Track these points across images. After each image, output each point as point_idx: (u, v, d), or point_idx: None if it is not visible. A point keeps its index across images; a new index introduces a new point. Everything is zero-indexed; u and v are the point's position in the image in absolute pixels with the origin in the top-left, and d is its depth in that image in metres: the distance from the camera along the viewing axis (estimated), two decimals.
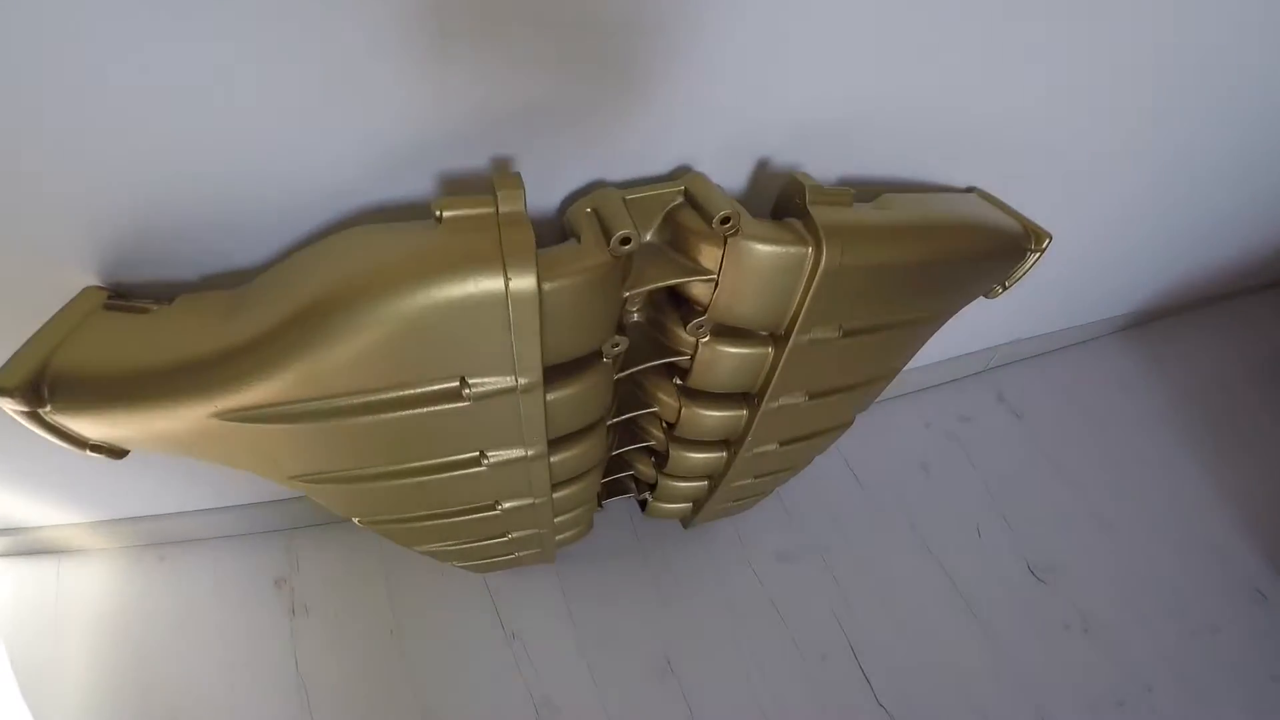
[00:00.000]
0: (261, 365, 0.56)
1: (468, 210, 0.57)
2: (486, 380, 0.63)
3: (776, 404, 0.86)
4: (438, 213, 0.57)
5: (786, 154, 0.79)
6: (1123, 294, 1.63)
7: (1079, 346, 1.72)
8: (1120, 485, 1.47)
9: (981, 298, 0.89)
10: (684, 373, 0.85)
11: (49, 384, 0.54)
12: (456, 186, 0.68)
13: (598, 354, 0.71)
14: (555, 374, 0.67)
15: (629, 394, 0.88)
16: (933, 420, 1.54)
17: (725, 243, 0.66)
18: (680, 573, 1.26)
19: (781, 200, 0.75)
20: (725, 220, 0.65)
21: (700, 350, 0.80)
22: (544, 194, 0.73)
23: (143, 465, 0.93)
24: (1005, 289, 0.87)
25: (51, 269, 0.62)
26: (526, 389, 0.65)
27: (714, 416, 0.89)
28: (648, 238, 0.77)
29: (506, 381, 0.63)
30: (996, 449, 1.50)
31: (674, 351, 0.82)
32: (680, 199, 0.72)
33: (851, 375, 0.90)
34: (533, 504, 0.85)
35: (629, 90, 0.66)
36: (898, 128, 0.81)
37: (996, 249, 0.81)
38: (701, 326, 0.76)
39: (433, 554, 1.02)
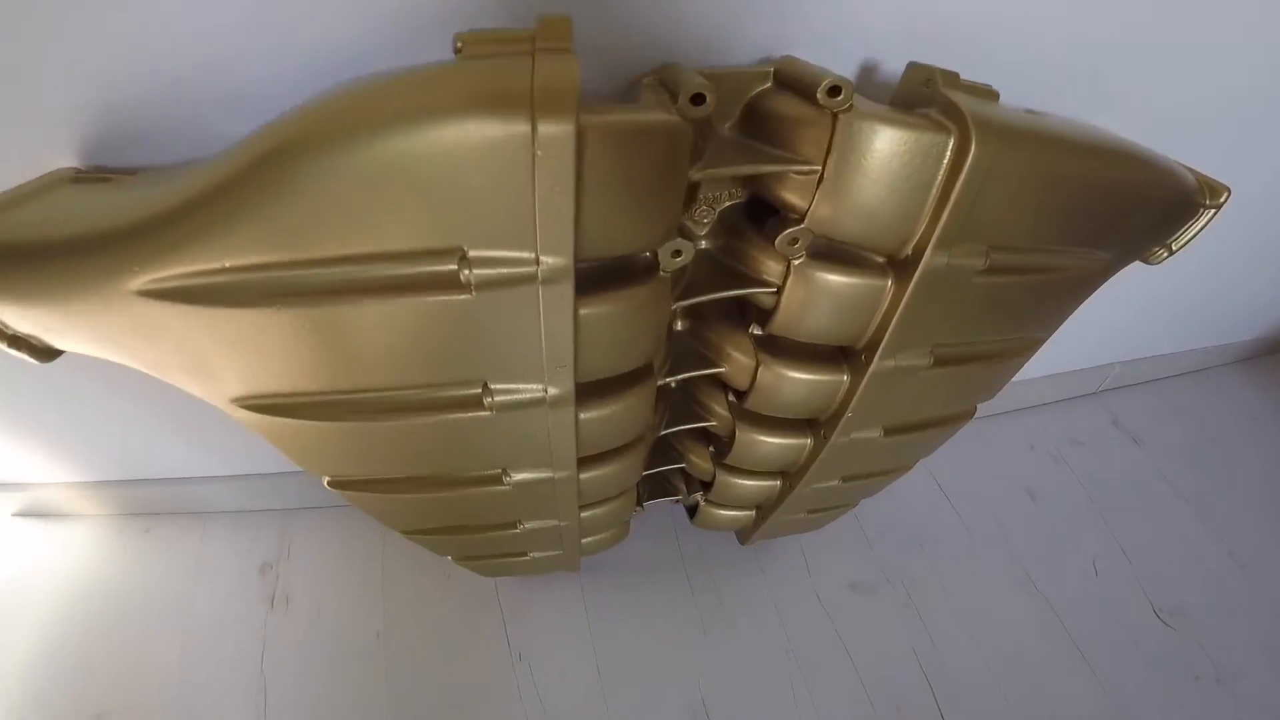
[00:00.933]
0: (203, 226, 0.45)
1: (496, 42, 0.45)
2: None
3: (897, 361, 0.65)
4: (458, 44, 0.46)
5: (894, 59, 0.66)
6: (1248, 318, 1.53)
7: (1198, 374, 1.61)
8: (1255, 522, 1.30)
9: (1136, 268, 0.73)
10: (766, 315, 0.65)
11: None
12: None
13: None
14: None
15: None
16: (1038, 442, 1.39)
17: (835, 123, 0.51)
18: (729, 597, 1.08)
19: (899, 100, 0.61)
20: (834, 91, 0.50)
21: (791, 282, 0.60)
22: (599, 80, 0.61)
23: (133, 421, 0.92)
24: (1171, 252, 0.71)
25: (36, 150, 0.57)
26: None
27: (804, 380, 0.69)
28: (724, 130, 0.61)
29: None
30: (1113, 477, 1.35)
31: (756, 282, 0.63)
32: (768, 83, 0.59)
33: (978, 332, 0.68)
34: (557, 525, 0.75)
35: None
36: (1038, 47, 0.69)
37: (1167, 193, 0.65)
38: (796, 240, 0.57)
39: (429, 546, 0.83)
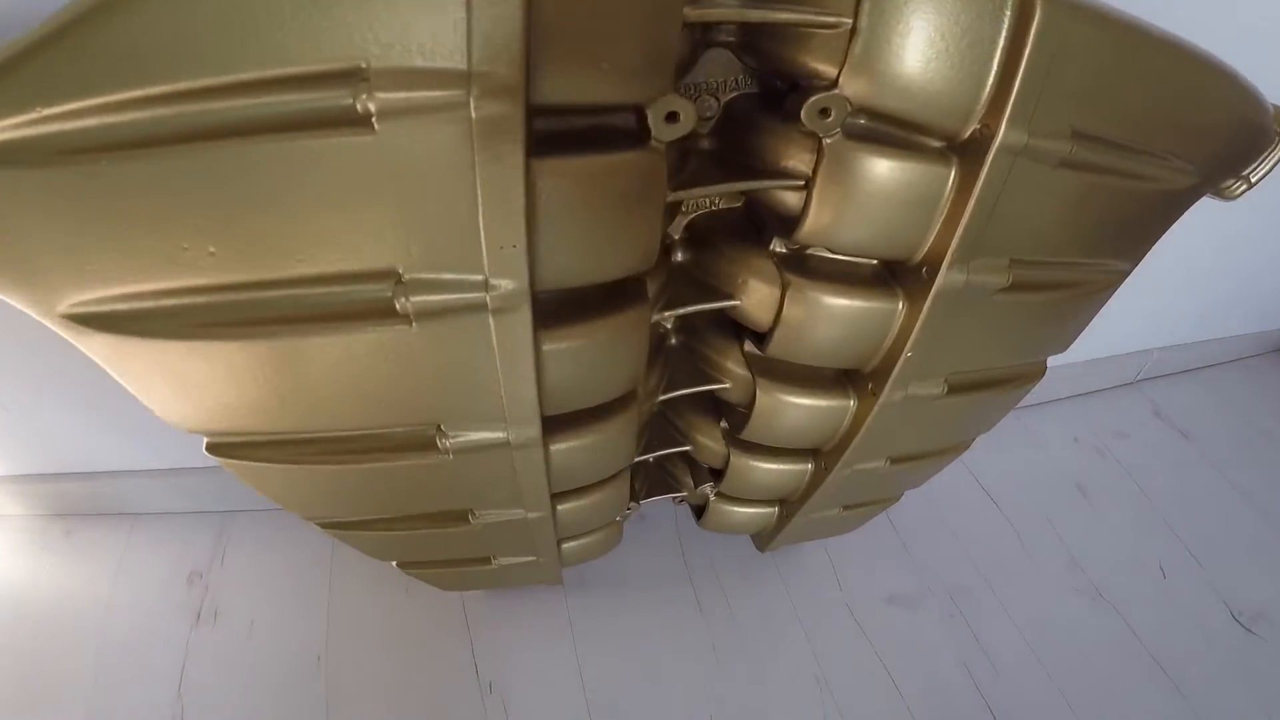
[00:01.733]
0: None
1: None
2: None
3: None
4: None
5: None
6: None
7: (1237, 364, 1.51)
8: None
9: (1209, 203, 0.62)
10: (791, 225, 0.51)
11: None
12: None
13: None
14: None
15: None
16: (1081, 434, 1.28)
17: None
18: (745, 615, 0.91)
19: None
20: None
21: (824, 171, 0.47)
22: None
23: (53, 406, 0.84)
24: (1250, 185, 0.61)
25: None
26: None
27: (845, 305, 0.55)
28: None
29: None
30: (1166, 472, 1.24)
31: (774, 174, 0.50)
32: None
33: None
34: (525, 518, 0.63)
35: None
36: None
37: (1247, 111, 0.55)
38: (828, 112, 0.45)
39: (364, 549, 0.68)
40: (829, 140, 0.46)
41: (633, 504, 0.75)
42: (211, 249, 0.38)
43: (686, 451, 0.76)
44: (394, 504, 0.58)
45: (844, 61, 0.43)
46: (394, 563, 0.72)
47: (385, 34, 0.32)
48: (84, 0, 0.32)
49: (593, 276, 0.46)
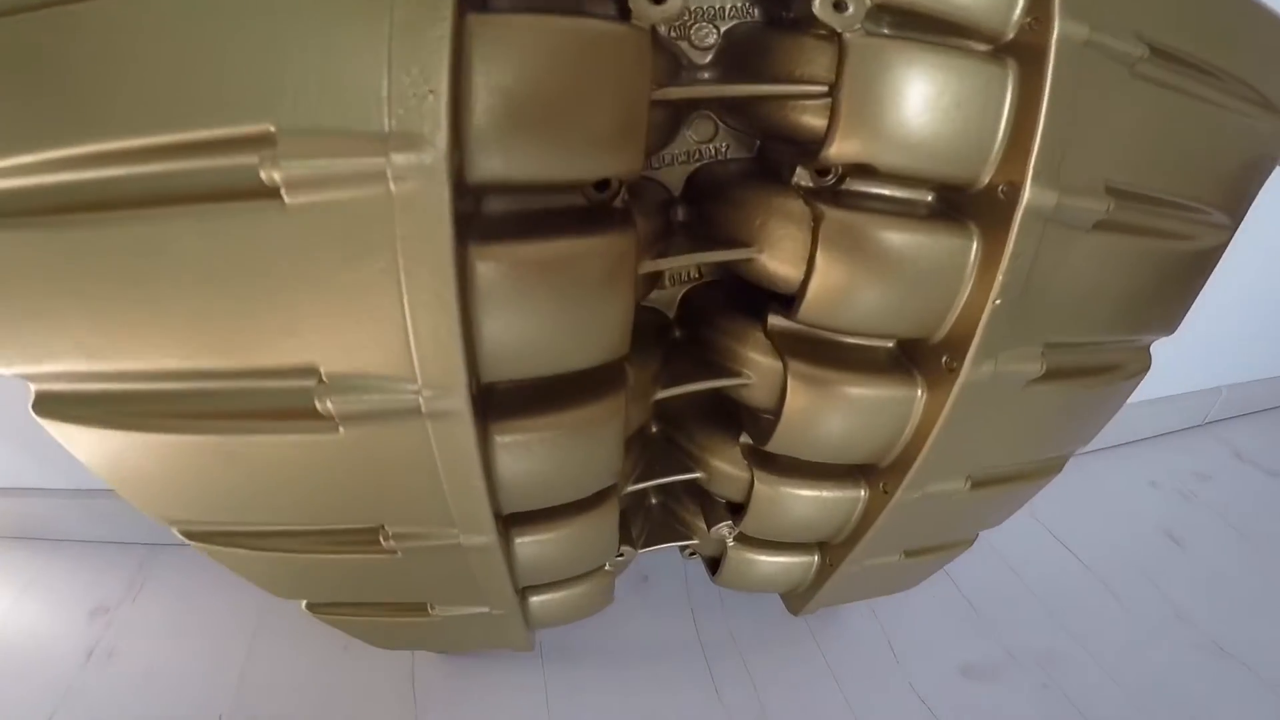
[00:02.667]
0: None
1: None
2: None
3: None
4: None
5: None
6: None
7: None
8: None
9: None
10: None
11: None
12: None
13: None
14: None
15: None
16: (1158, 478, 1.13)
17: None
18: (777, 697, 0.70)
19: None
20: (839, 6, 0.38)
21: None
22: None
23: None
24: None
25: None
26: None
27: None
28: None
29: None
30: (1264, 513, 1.07)
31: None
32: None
33: None
34: (489, 615, 0.55)
35: None
36: None
37: None
38: (844, 4, 0.38)
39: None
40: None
41: (625, 549, 0.57)
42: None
43: (696, 482, 0.59)
44: (359, 591, 0.53)
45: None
46: (303, 603, 0.55)
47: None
48: None
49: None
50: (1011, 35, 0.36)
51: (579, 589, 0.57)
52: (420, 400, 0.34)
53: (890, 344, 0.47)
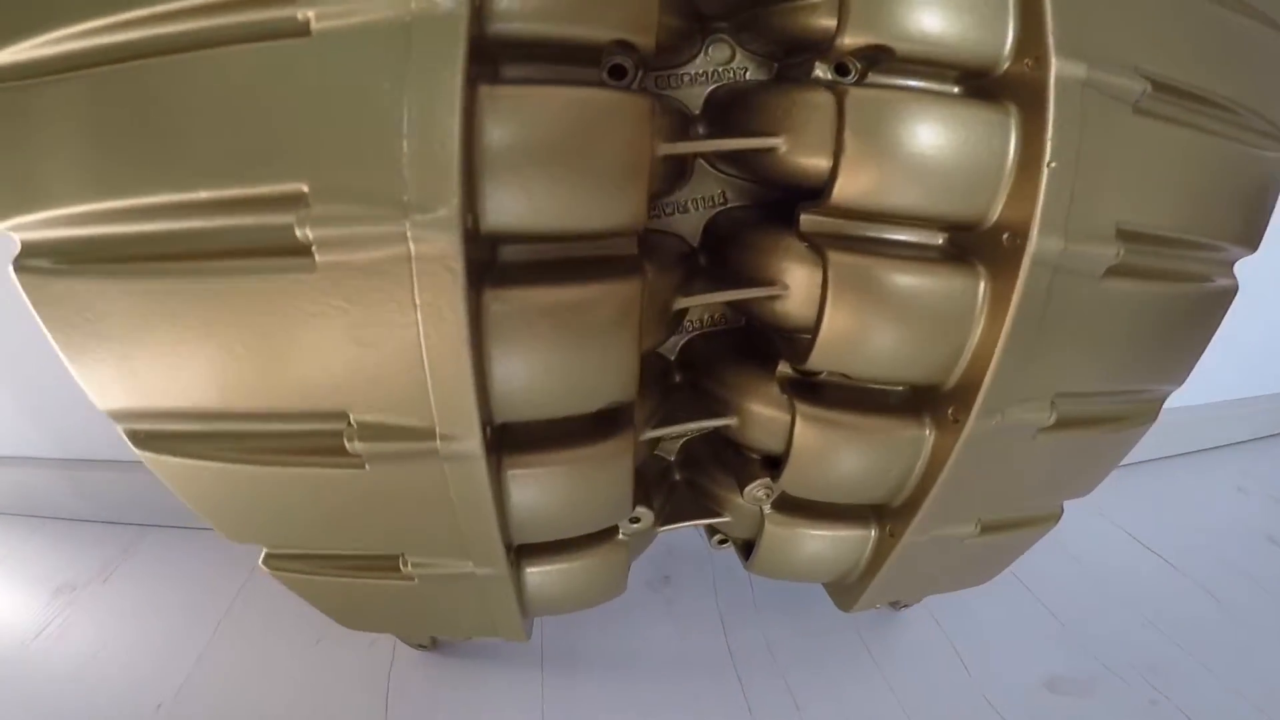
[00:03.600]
0: None
1: None
2: None
3: None
4: None
5: None
6: None
7: None
8: None
9: None
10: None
11: None
12: None
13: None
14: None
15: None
16: (1246, 484, 1.02)
17: None
18: (816, 712, 0.59)
19: None
20: None
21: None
22: None
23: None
24: None
25: None
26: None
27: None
28: None
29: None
30: None
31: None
32: None
33: None
34: (473, 574, 0.47)
35: None
36: None
37: None
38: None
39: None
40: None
41: (641, 510, 0.48)
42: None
43: (727, 449, 0.52)
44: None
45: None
46: (263, 552, 0.49)
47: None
48: None
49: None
50: (1005, 69, 0.36)
51: (585, 560, 0.47)
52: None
53: (940, 239, 0.41)
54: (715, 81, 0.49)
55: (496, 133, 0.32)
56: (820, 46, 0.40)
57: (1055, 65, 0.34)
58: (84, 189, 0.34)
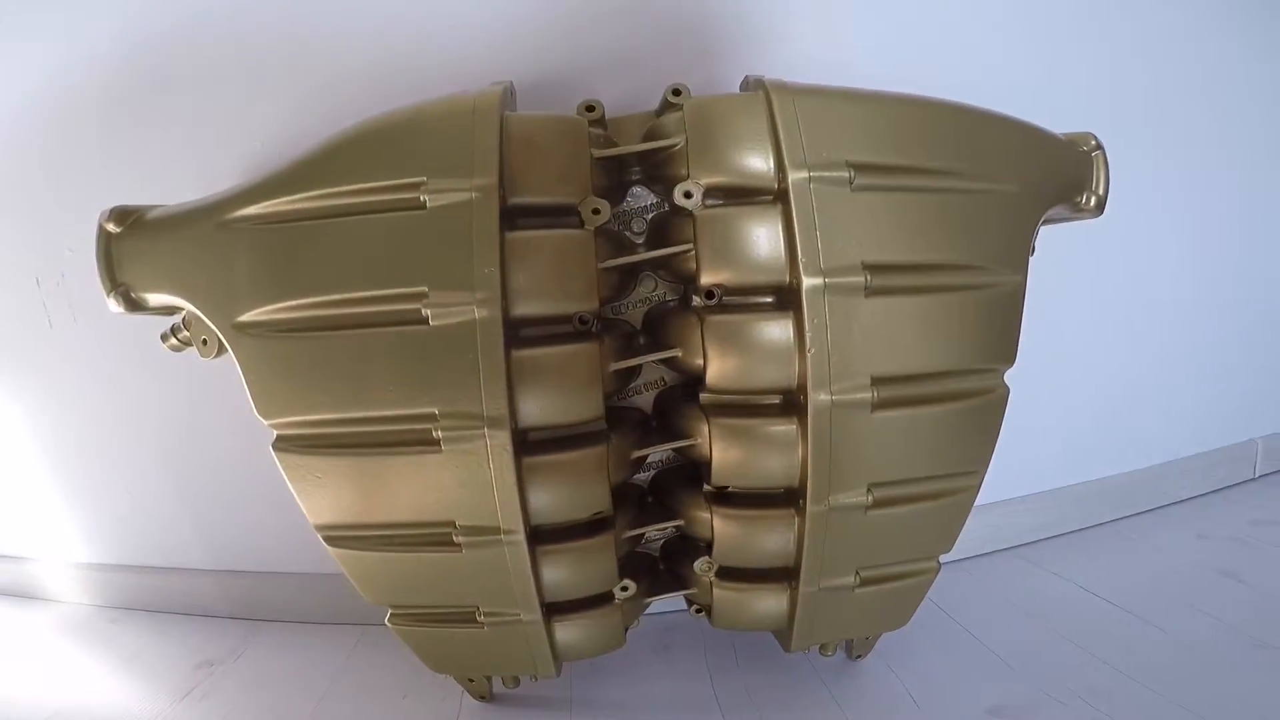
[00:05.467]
0: (270, 180, 0.65)
1: None
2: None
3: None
4: None
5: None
6: None
7: None
8: None
9: None
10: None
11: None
12: None
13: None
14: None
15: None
16: (1207, 530, 1.13)
17: (684, 110, 0.66)
18: None
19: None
20: (676, 92, 0.70)
21: (700, 233, 0.64)
22: None
23: (135, 502, 1.06)
24: (1100, 198, 0.72)
25: None
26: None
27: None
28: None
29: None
30: None
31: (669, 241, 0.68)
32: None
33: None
34: (520, 621, 0.71)
35: None
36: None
37: (1036, 136, 0.71)
38: (689, 194, 0.64)
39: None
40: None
41: (628, 582, 0.70)
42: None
43: (687, 545, 0.75)
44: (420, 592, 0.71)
45: (688, 164, 0.63)
46: (388, 612, 0.72)
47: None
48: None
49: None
50: (776, 186, 0.61)
51: (593, 616, 0.71)
52: (485, 431, 0.59)
53: (776, 398, 0.65)
54: (648, 305, 0.76)
55: (515, 259, 0.59)
56: (693, 281, 0.64)
57: (789, 173, 0.59)
58: (326, 403, 0.62)
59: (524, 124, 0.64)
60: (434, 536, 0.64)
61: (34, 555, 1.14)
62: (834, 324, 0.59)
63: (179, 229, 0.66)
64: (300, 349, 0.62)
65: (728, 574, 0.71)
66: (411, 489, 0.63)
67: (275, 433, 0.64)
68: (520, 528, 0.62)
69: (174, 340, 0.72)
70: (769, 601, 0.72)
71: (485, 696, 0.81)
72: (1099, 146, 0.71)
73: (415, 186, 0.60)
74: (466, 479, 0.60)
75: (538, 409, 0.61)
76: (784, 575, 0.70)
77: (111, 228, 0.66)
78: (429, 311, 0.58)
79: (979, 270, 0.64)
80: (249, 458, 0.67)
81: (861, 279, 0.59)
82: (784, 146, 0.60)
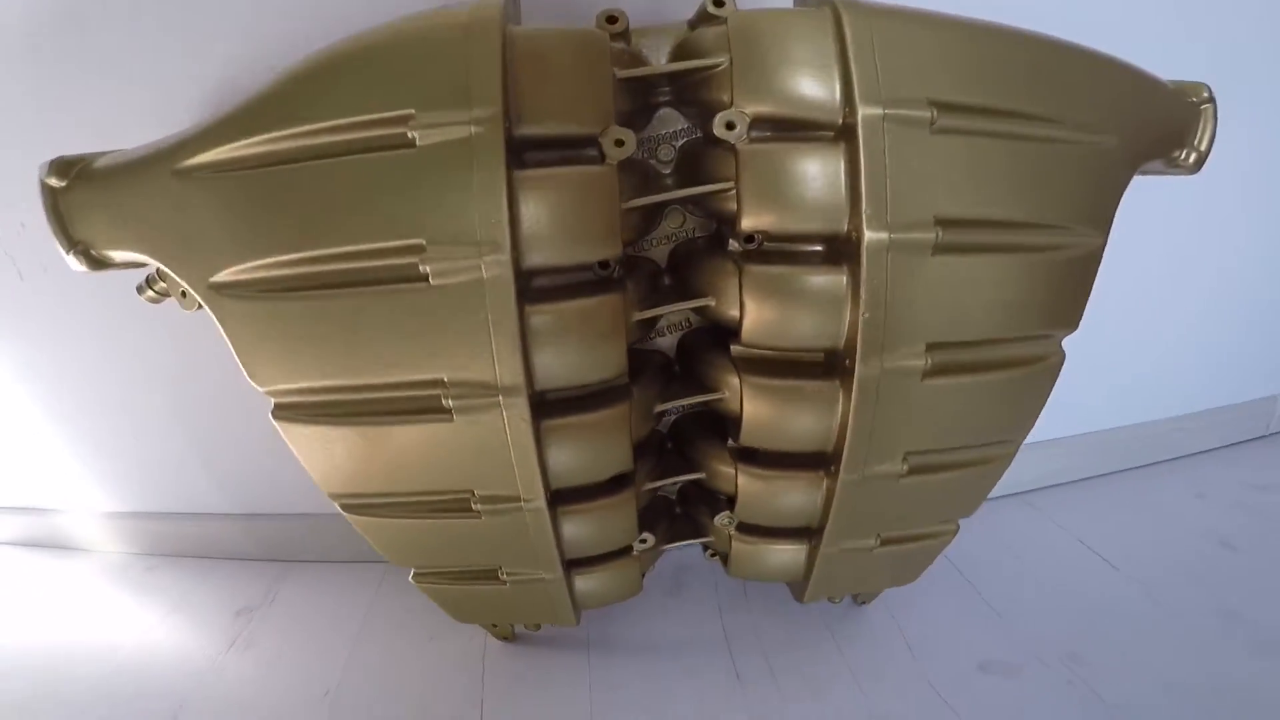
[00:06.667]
0: (227, 119, 0.55)
1: None
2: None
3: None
4: None
5: None
6: None
7: None
8: None
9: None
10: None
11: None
12: None
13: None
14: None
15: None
16: (1208, 491, 1.12)
17: (727, 24, 0.56)
18: (795, 686, 0.78)
19: None
20: (719, 3, 0.59)
21: (744, 168, 0.55)
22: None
23: (150, 451, 1.04)
24: (1200, 154, 0.64)
25: None
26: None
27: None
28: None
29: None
30: None
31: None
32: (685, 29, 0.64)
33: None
34: (543, 581, 0.71)
35: None
36: None
37: (1144, 85, 0.62)
38: (732, 124, 0.54)
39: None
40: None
41: (646, 535, 0.70)
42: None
43: (706, 489, 0.73)
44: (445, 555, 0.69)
45: (731, 88, 0.54)
46: (411, 570, 0.72)
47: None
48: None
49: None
50: (840, 121, 0.53)
51: (611, 568, 0.71)
52: (500, 400, 0.54)
53: (819, 356, 0.60)
54: (673, 241, 0.70)
55: (527, 202, 0.51)
56: (731, 223, 0.57)
57: (860, 110, 0.50)
58: (321, 370, 0.56)
59: (532, 41, 0.53)
60: (452, 503, 0.61)
61: (58, 507, 1.13)
62: (894, 285, 0.53)
63: (134, 179, 0.57)
64: (287, 310, 0.55)
65: (748, 529, 0.71)
66: (424, 458, 0.59)
67: (272, 400, 0.60)
68: (540, 494, 0.59)
69: (150, 292, 0.64)
70: (787, 556, 0.71)
71: (509, 637, 0.84)
72: (1210, 99, 0.63)
73: (401, 121, 0.50)
74: (481, 448, 0.56)
75: (556, 370, 0.56)
76: (805, 534, 0.70)
77: (54, 182, 0.57)
78: (428, 268, 0.51)
79: (1061, 230, 0.57)
80: (254, 402, 0.61)
81: (932, 235, 0.52)
82: (855, 76, 0.51)
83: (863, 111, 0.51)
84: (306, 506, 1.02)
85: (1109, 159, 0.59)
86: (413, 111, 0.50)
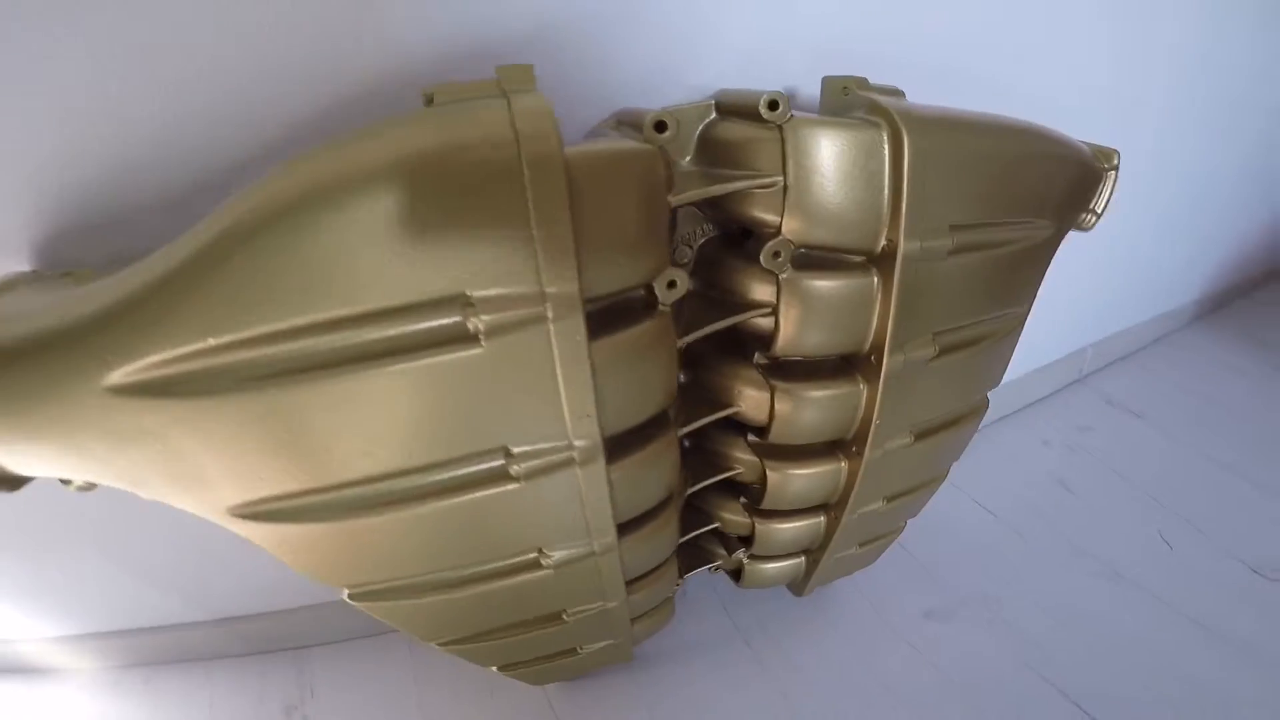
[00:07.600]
0: (179, 300, 0.42)
1: (466, 89, 0.49)
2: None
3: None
4: (428, 95, 0.49)
5: (809, 85, 0.74)
6: (1183, 279, 1.70)
7: (1162, 341, 1.72)
8: None
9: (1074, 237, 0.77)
10: (767, 339, 0.66)
11: None
12: None
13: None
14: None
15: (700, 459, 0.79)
16: (1050, 436, 1.41)
17: (782, 134, 0.56)
18: (801, 656, 0.99)
19: (827, 111, 0.70)
20: (773, 105, 0.55)
21: (785, 297, 0.61)
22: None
23: (119, 570, 0.89)
24: (1098, 215, 0.75)
25: None
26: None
27: (822, 398, 0.69)
28: (685, 164, 0.63)
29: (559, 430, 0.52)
30: (1137, 453, 1.37)
31: (749, 306, 0.64)
32: (712, 114, 0.63)
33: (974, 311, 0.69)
34: (604, 608, 0.72)
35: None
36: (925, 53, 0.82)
37: (1074, 161, 0.70)
38: (779, 253, 0.59)
39: (469, 656, 0.76)
40: (784, 276, 0.60)
41: (679, 581, 0.86)
42: (349, 454, 0.48)
43: (717, 529, 0.88)
44: (464, 550, 0.60)
45: (782, 210, 0.57)
46: (494, 668, 0.80)
47: (482, 273, 0.43)
48: (258, 245, 0.42)
49: (640, 417, 0.57)
50: (878, 250, 0.59)
51: (660, 611, 0.86)
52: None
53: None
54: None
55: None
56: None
57: (903, 246, 0.55)
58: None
59: (590, 168, 0.45)
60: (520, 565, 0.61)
61: (15, 637, 0.97)
62: (900, 389, 0.65)
63: (40, 391, 0.42)
64: (354, 528, 0.52)
65: (758, 557, 0.89)
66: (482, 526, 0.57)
67: (345, 591, 0.57)
68: (597, 437, 0.53)
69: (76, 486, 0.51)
70: (788, 571, 0.91)
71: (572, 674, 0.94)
72: (1116, 167, 0.70)
73: (456, 306, 0.43)
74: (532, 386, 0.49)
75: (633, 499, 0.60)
76: (806, 555, 0.89)
77: None
78: (518, 468, 0.51)
79: (1014, 316, 0.72)
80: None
81: (932, 350, 0.64)
82: (905, 208, 0.54)
83: (904, 246, 0.56)
84: (294, 601, 0.98)
85: (1051, 243, 0.69)
86: (467, 292, 0.43)
